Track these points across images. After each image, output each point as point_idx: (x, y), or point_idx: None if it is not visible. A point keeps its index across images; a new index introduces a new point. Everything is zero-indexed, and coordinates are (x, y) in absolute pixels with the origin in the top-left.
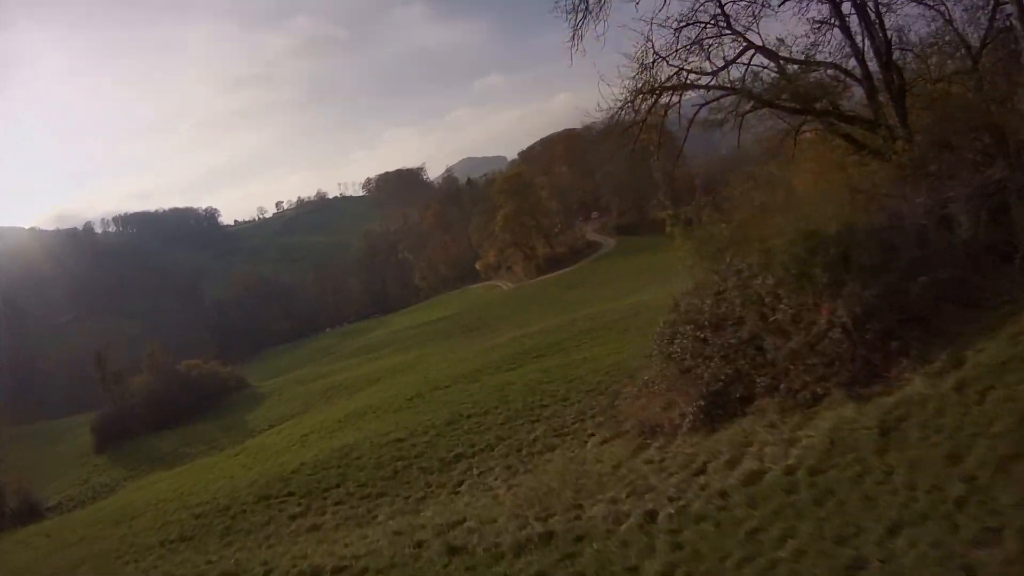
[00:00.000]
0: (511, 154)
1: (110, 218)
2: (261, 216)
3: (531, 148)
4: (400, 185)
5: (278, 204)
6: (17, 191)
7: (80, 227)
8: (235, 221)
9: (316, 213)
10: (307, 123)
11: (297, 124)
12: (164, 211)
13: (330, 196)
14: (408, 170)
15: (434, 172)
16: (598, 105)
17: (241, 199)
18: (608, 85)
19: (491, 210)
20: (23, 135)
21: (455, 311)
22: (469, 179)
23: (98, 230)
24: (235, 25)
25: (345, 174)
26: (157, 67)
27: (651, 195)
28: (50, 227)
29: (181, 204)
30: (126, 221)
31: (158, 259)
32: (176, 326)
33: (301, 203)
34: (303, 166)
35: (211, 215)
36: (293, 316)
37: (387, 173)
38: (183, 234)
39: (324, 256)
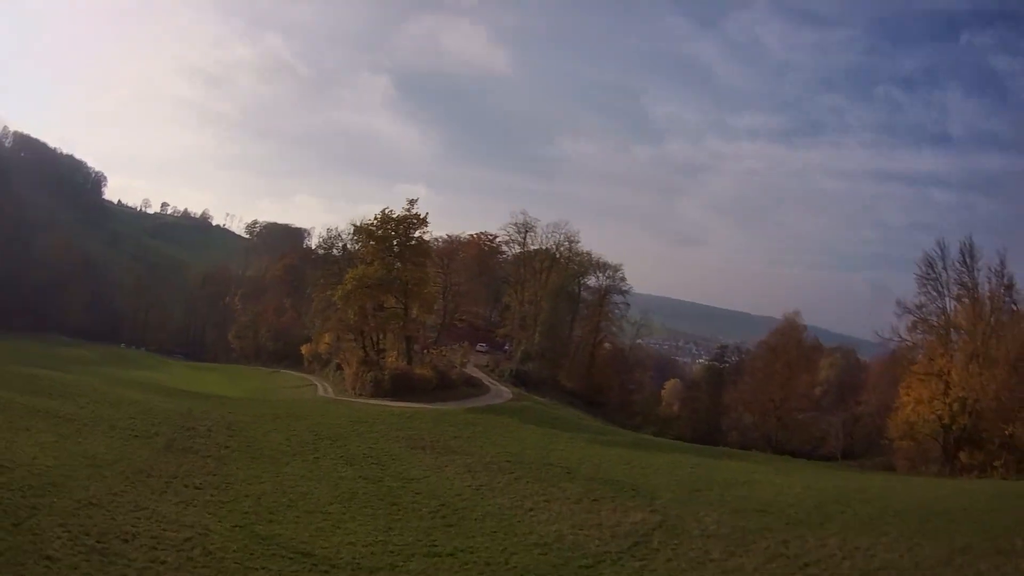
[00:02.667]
0: None
1: (10, 131)
2: (143, 209)
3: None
4: (281, 240)
5: (164, 205)
6: None
7: None
8: (119, 200)
9: (194, 231)
10: (230, 147)
11: (221, 143)
12: (56, 151)
13: (213, 222)
14: (296, 229)
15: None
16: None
17: (133, 184)
18: None
19: (342, 272)
20: None
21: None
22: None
23: None
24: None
25: (240, 209)
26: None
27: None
28: None
29: (67, 148)
30: (24, 143)
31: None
32: None
33: (185, 215)
34: (208, 184)
35: (98, 181)
36: (96, 314)
37: (274, 224)
38: (62, 182)
39: (173, 273)
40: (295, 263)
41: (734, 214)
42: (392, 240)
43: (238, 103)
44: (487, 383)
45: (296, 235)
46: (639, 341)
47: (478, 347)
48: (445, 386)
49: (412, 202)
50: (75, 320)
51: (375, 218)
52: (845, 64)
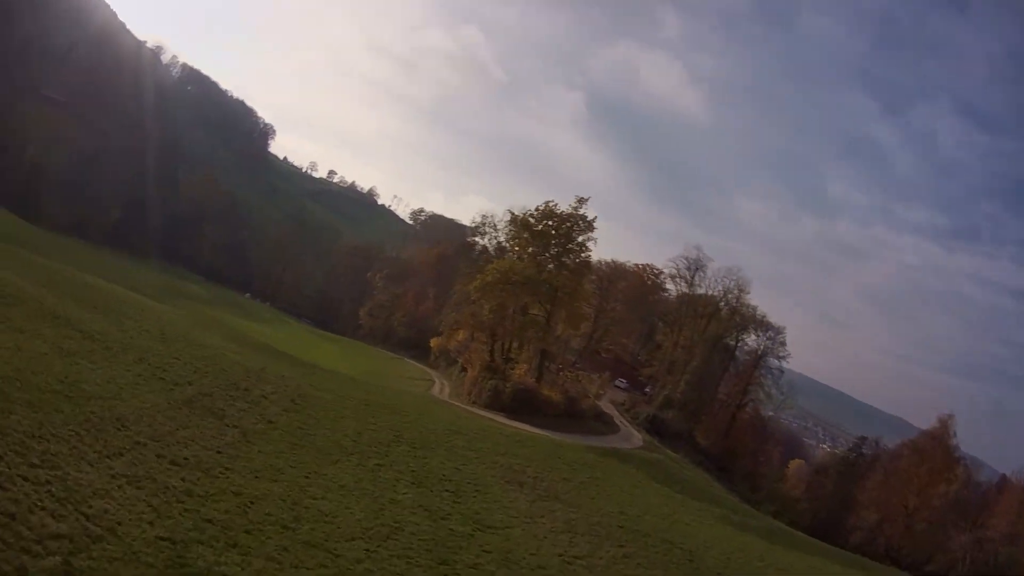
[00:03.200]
0: None
1: (180, 60)
2: (309, 171)
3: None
4: (444, 232)
5: (331, 173)
6: None
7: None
8: (285, 158)
9: (357, 205)
10: (410, 132)
11: (401, 126)
12: (227, 93)
13: (379, 201)
14: (461, 225)
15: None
16: None
17: (303, 147)
18: None
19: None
20: None
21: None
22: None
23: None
24: None
25: (408, 195)
26: None
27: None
28: None
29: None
30: (193, 77)
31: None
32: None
33: (352, 187)
34: (380, 163)
35: (265, 132)
36: (230, 259)
37: (440, 216)
38: (226, 125)
39: (323, 237)
40: (449, 253)
41: (880, 304)
42: (550, 238)
43: (426, 90)
44: (619, 422)
45: (460, 231)
46: (772, 413)
47: (617, 382)
48: (572, 415)
49: (581, 201)
50: (207, 259)
51: (536, 210)
52: (1012, 175)
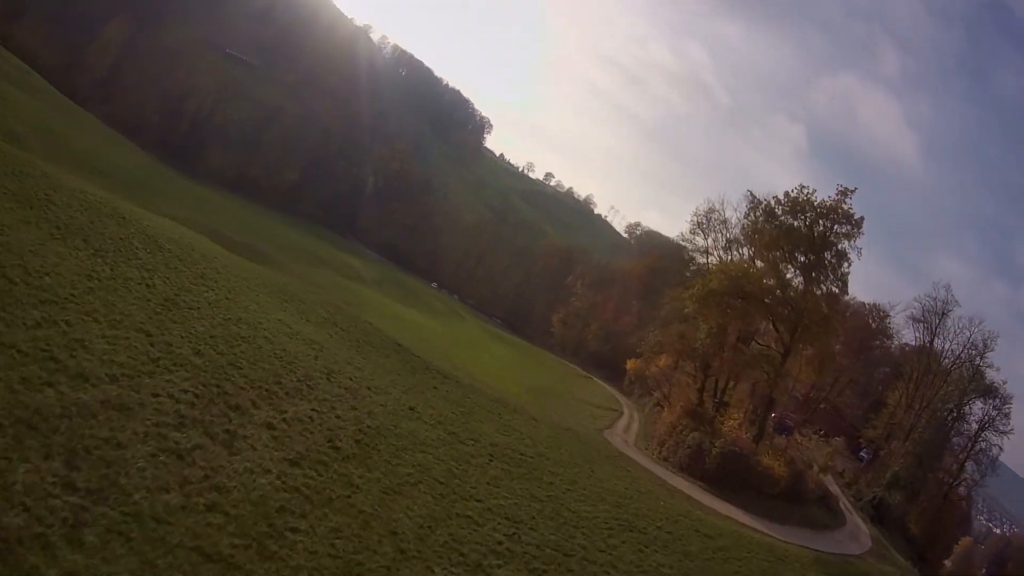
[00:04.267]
0: None
1: (391, 44)
2: (524, 171)
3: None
4: (654, 247)
5: (547, 175)
6: None
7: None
8: (501, 154)
9: (570, 210)
10: (630, 147)
11: (622, 140)
12: (442, 81)
13: (595, 211)
14: (678, 243)
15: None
16: None
17: (521, 148)
18: None
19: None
20: None
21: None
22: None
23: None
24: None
25: (625, 208)
26: None
27: None
28: None
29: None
30: (404, 59)
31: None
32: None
33: (568, 192)
34: (596, 174)
35: (481, 125)
36: (416, 243)
37: (656, 232)
38: (440, 113)
39: (527, 235)
40: (662, 265)
41: None
42: (801, 239)
43: (650, 109)
44: (843, 505)
45: (678, 248)
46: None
47: (837, 447)
48: (793, 496)
49: (844, 193)
50: (388, 239)
51: (785, 196)
52: None
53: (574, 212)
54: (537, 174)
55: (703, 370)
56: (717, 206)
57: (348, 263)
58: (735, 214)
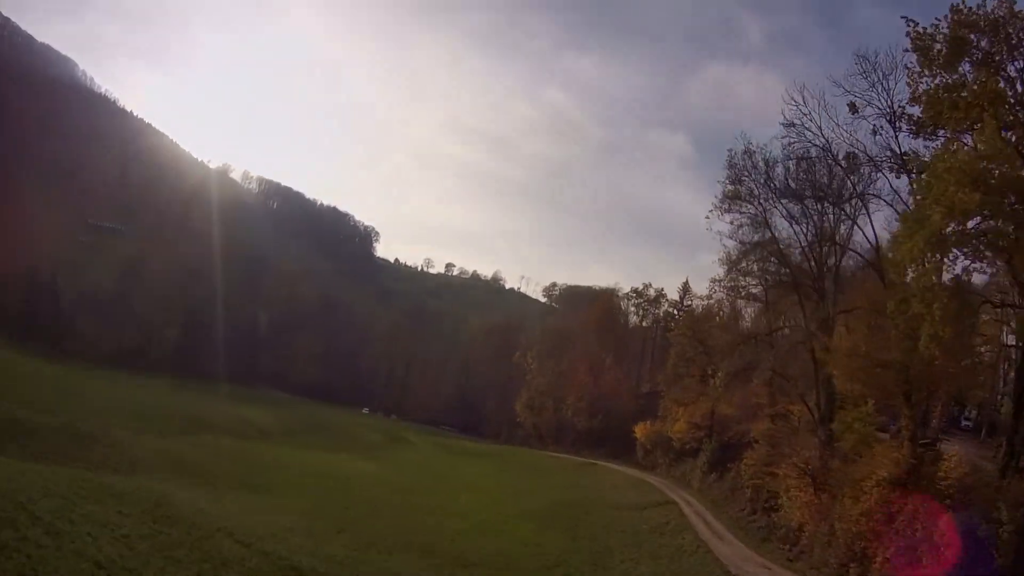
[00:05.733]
0: None
1: (255, 177)
2: (424, 269)
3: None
4: (585, 304)
5: (448, 266)
6: None
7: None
8: (395, 259)
9: (482, 291)
10: (516, 214)
11: (507, 210)
12: (316, 202)
13: (506, 285)
14: (603, 290)
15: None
16: None
17: (413, 248)
18: None
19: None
20: None
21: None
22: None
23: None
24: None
25: (532, 271)
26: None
27: None
28: None
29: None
30: (272, 190)
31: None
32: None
33: (474, 276)
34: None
35: (367, 235)
36: (334, 370)
37: (577, 286)
38: (323, 235)
39: (449, 327)
40: (611, 305)
41: None
42: None
43: (525, 165)
44: None
45: (605, 296)
46: None
47: None
48: None
49: None
50: (300, 375)
51: None
52: None
53: (487, 292)
54: (438, 268)
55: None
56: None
57: (245, 419)
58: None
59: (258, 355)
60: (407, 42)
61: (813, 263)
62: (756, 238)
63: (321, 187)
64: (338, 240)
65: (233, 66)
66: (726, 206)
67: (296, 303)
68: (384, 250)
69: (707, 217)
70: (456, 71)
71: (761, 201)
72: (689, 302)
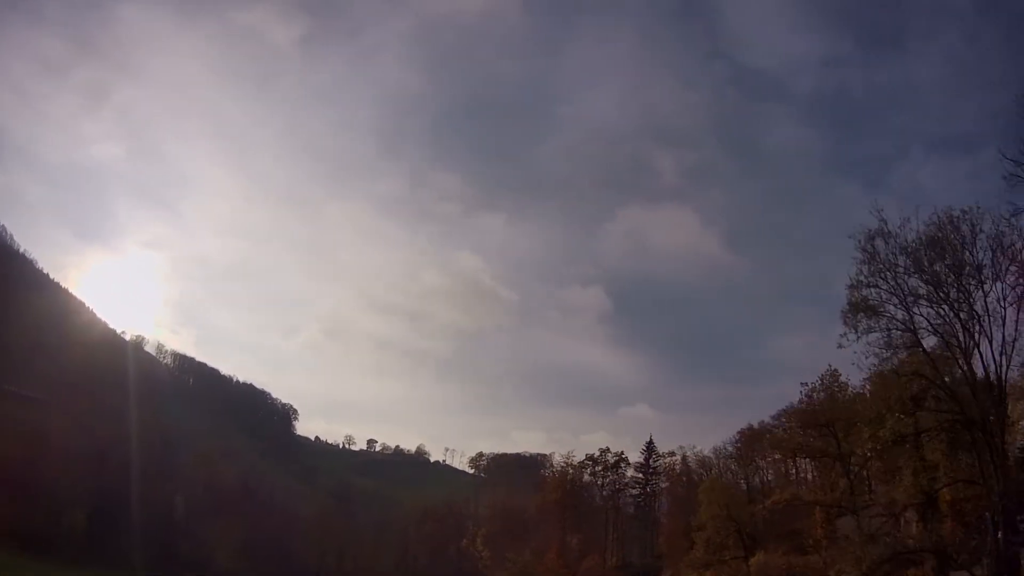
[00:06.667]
0: None
1: (168, 348)
2: (346, 446)
3: None
4: (516, 472)
5: (370, 442)
6: None
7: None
8: (316, 437)
9: (408, 467)
10: (436, 386)
11: (426, 382)
12: (232, 379)
13: (431, 458)
14: (531, 457)
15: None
16: None
17: (334, 427)
18: None
19: None
20: None
21: None
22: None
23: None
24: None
25: (458, 444)
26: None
27: None
28: None
29: (258, 383)
30: (188, 366)
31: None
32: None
33: (397, 451)
34: (417, 424)
35: (287, 414)
36: (259, 555)
37: (503, 455)
38: (240, 413)
39: (382, 510)
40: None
41: None
42: None
43: (440, 337)
44: None
45: (533, 464)
46: None
47: None
48: None
49: None
50: (223, 562)
51: None
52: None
53: (413, 468)
54: (360, 444)
55: None
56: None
57: None
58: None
59: (177, 542)
60: (319, 211)
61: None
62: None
63: (238, 363)
64: (257, 418)
65: (154, 241)
66: (863, 322)
67: (216, 486)
68: (304, 427)
69: (840, 346)
70: (368, 239)
71: (907, 305)
72: (655, 462)
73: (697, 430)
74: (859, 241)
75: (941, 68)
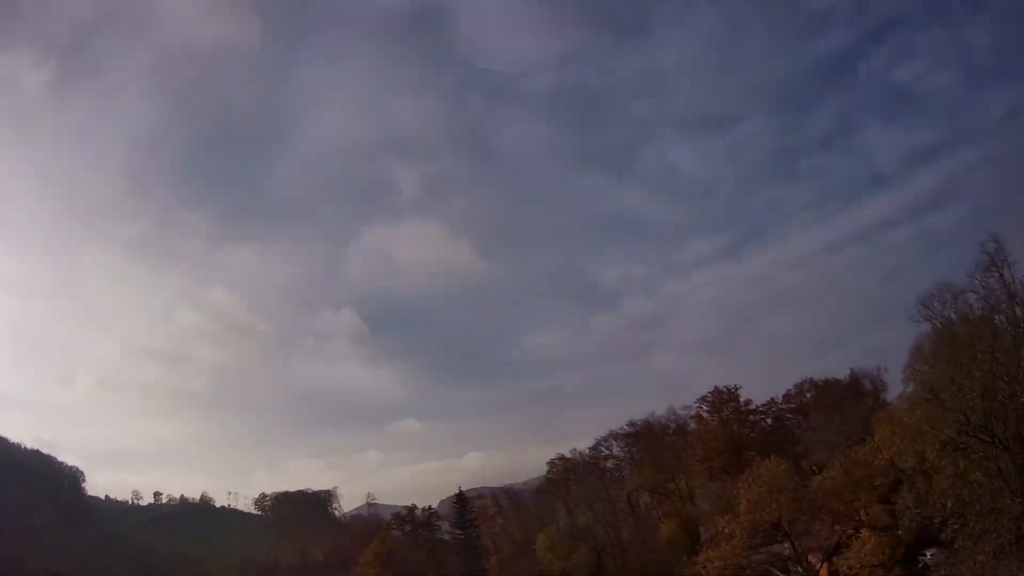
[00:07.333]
0: (422, 503)
1: None
2: (134, 502)
3: None
4: (301, 510)
5: (156, 495)
6: None
7: None
8: (106, 496)
9: (196, 518)
10: (206, 425)
11: (195, 422)
12: (19, 445)
13: (216, 504)
14: (313, 494)
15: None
16: None
17: (120, 478)
18: None
19: None
20: None
21: None
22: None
23: None
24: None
25: (238, 485)
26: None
27: None
28: None
29: (44, 448)
30: None
31: None
32: None
33: (183, 502)
34: (198, 466)
35: (75, 477)
36: None
37: (287, 493)
38: (26, 481)
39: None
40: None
41: (709, 347)
42: None
43: (203, 376)
44: None
45: (319, 500)
46: None
47: None
48: None
49: None
50: None
51: None
52: (761, 155)
53: (201, 517)
54: (147, 497)
55: None
56: None
57: None
58: None
59: None
60: (75, 258)
61: None
62: None
63: (21, 423)
64: (50, 486)
65: None
66: None
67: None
68: (94, 483)
69: None
70: (121, 284)
71: None
72: (470, 514)
73: (467, 435)
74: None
75: (692, 50)
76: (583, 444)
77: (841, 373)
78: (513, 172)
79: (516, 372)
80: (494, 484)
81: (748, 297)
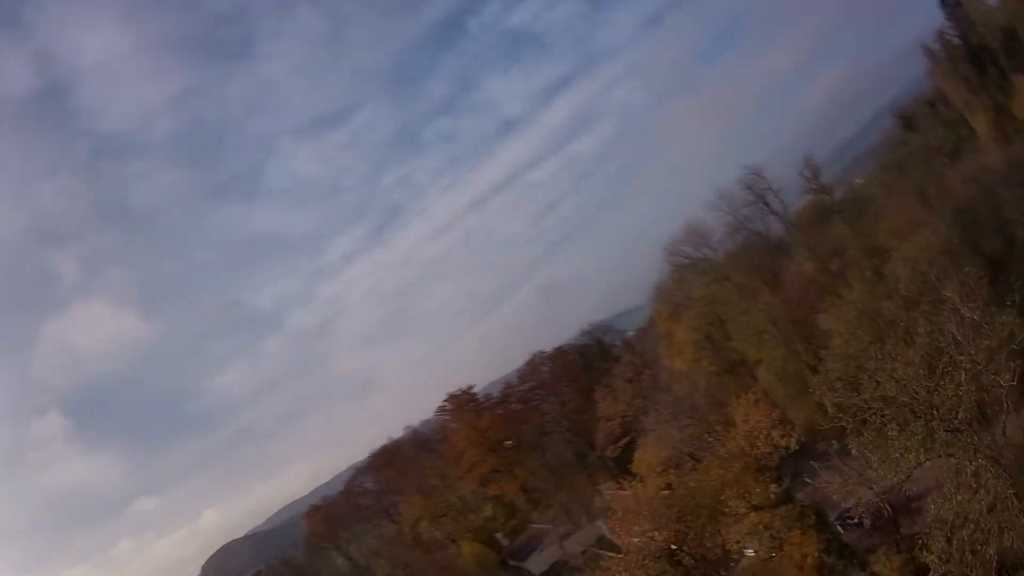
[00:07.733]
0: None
1: None
2: None
3: None
4: None
5: None
6: None
7: None
8: None
9: None
10: None
11: None
12: None
13: None
14: None
15: None
16: None
17: None
18: None
19: None
20: None
21: None
22: None
23: None
24: None
25: None
26: None
27: None
28: None
29: None
30: None
31: None
32: None
33: None
34: None
35: None
36: None
37: None
38: None
39: None
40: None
41: (379, 338)
42: None
43: None
44: None
45: None
46: None
47: None
48: None
49: None
50: None
51: None
52: (384, 136)
53: None
54: None
55: None
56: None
57: None
58: None
59: None
60: None
61: None
62: None
63: None
64: None
65: None
66: None
67: None
68: None
69: None
70: None
71: None
72: None
73: (197, 494)
74: None
75: (298, 55)
76: (305, 469)
77: None
78: (154, 226)
79: (211, 418)
80: (239, 534)
81: (403, 277)
